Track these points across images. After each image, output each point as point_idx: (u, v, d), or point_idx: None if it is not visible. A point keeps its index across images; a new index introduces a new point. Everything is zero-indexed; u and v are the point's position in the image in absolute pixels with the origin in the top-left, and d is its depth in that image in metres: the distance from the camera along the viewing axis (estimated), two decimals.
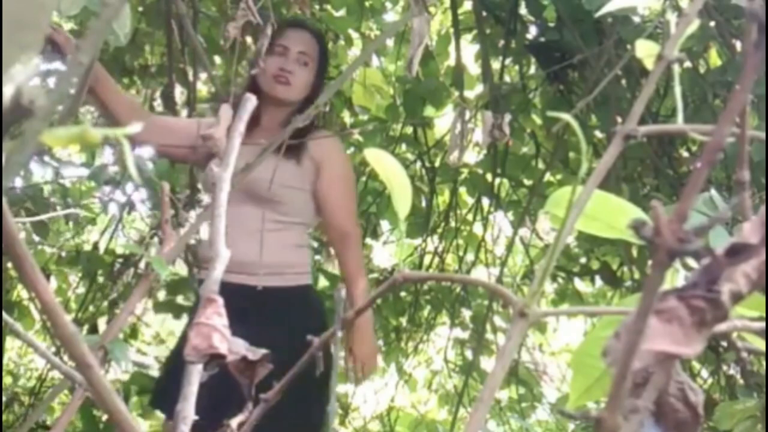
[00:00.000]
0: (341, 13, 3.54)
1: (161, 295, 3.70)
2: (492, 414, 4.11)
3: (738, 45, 2.54)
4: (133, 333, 4.13)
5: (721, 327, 0.55)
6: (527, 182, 3.68)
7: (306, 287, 2.52)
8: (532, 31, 3.45)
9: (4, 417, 3.86)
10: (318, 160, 2.51)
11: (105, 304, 3.69)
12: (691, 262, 0.46)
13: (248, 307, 2.22)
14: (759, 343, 0.64)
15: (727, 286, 0.45)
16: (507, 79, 3.61)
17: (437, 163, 3.71)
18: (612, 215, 0.66)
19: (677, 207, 0.40)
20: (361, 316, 2.59)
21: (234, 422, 0.78)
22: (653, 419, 0.53)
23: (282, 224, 2.47)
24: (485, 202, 3.77)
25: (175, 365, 2.29)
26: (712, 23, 2.51)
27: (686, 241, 0.39)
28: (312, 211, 2.55)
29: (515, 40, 3.38)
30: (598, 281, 3.80)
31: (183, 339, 2.48)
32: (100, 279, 3.76)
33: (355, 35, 3.67)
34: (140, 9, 3.25)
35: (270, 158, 2.29)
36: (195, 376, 0.76)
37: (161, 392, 2.45)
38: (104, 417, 3.38)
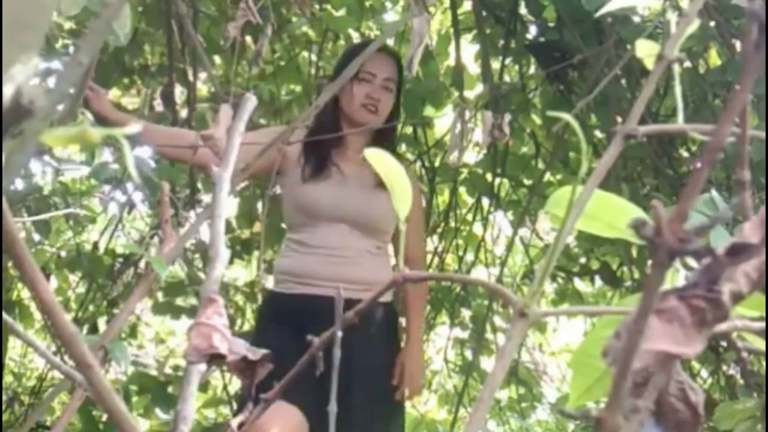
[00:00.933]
0: (341, 13, 3.54)
1: (159, 296, 3.70)
2: (492, 414, 4.11)
3: (738, 45, 2.54)
4: (133, 333, 4.13)
5: (722, 327, 0.55)
6: (527, 182, 3.68)
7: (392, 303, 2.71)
8: (532, 31, 3.45)
9: (4, 417, 3.86)
10: None
11: (105, 303, 3.69)
12: (692, 262, 0.46)
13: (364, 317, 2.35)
14: (759, 343, 0.64)
15: (728, 286, 0.45)
16: (507, 79, 3.61)
17: (437, 163, 3.71)
18: (612, 215, 0.66)
19: (678, 207, 0.40)
20: (414, 325, 2.75)
21: (234, 422, 0.78)
22: (653, 419, 0.53)
23: (382, 249, 2.64)
24: (485, 201, 3.76)
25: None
26: (712, 23, 2.51)
27: (687, 240, 0.39)
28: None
29: (515, 40, 3.38)
30: (598, 281, 3.80)
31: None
32: (100, 279, 3.76)
33: (355, 35, 3.67)
34: (140, 9, 3.25)
35: (382, 193, 2.45)
36: (194, 376, 0.76)
37: None
38: (104, 417, 3.39)
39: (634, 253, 3.20)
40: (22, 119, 0.39)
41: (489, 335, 3.85)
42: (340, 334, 0.74)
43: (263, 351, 0.73)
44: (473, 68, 3.75)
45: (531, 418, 4.24)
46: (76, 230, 3.84)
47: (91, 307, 3.76)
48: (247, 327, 3.71)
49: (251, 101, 0.88)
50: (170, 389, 3.56)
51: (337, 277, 2.45)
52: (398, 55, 2.81)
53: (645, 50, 0.73)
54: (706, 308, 0.44)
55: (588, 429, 3.54)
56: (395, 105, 2.71)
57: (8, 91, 0.37)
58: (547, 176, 3.50)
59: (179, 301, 3.63)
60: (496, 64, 3.47)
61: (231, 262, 3.69)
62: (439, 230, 3.85)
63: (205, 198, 3.27)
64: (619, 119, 2.79)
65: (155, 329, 4.74)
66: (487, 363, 3.97)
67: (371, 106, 2.61)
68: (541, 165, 3.58)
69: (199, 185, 3.31)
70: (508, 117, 2.40)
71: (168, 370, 4.06)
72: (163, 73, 3.45)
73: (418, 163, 3.74)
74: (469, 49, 3.76)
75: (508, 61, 3.48)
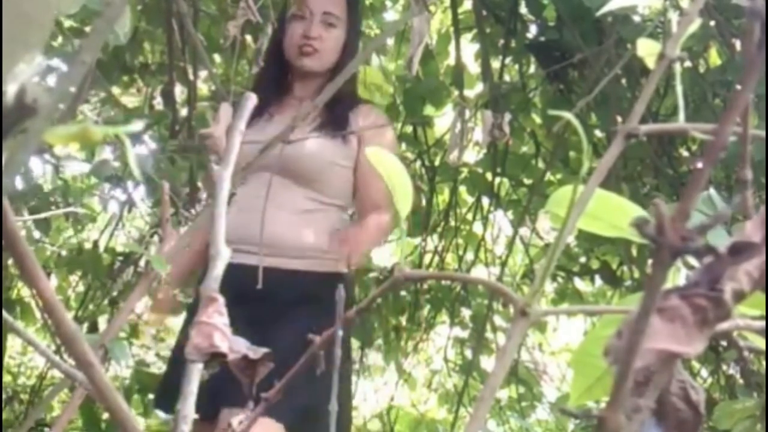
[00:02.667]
0: None
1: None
2: (492, 413, 4.11)
3: (738, 45, 2.54)
4: (134, 332, 4.13)
5: (723, 326, 0.55)
6: (527, 181, 3.68)
7: (343, 275, 2.26)
8: (532, 31, 3.45)
9: (4, 415, 3.86)
10: (361, 134, 2.27)
11: (105, 302, 3.69)
12: (692, 261, 0.46)
13: (280, 290, 2.11)
14: (760, 342, 0.64)
15: (730, 285, 0.45)
16: (507, 78, 3.61)
17: (437, 162, 3.71)
18: (614, 214, 0.66)
19: (680, 205, 0.40)
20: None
21: (234, 421, 0.78)
22: (655, 418, 0.53)
23: (323, 205, 2.27)
24: (485, 201, 3.77)
25: (176, 363, 2.25)
26: (712, 23, 2.51)
27: (689, 239, 0.39)
28: (350, 193, 2.33)
29: (515, 40, 3.38)
30: (598, 281, 3.80)
31: (182, 337, 2.35)
32: (101, 277, 3.76)
33: None
34: (140, 8, 3.25)
35: (326, 140, 2.22)
36: (195, 376, 0.76)
37: (163, 393, 2.33)
38: (105, 415, 3.39)
39: (634, 252, 3.20)
40: (25, 118, 0.39)
41: (489, 335, 3.85)
42: (340, 333, 0.74)
43: (264, 350, 0.74)
44: (473, 67, 3.75)
45: (531, 418, 4.24)
46: (77, 228, 3.84)
47: (91, 306, 3.76)
48: None
49: (251, 100, 0.88)
50: None
51: (255, 240, 2.04)
52: None
53: (646, 49, 0.74)
54: (708, 307, 0.44)
55: (588, 429, 3.54)
56: (348, 45, 2.33)
57: (12, 89, 0.37)
58: (548, 176, 3.50)
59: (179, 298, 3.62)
60: (496, 64, 3.47)
61: None
62: (439, 229, 3.85)
63: (206, 197, 3.27)
64: (620, 119, 2.79)
65: (155, 328, 4.73)
66: (487, 362, 3.97)
67: (307, 46, 2.28)
68: (541, 164, 3.58)
69: (200, 184, 3.31)
70: (508, 116, 2.40)
71: None
72: (164, 72, 3.45)
73: (418, 163, 3.74)
74: (469, 49, 3.76)
75: (508, 60, 3.48)
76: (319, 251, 2.24)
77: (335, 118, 2.27)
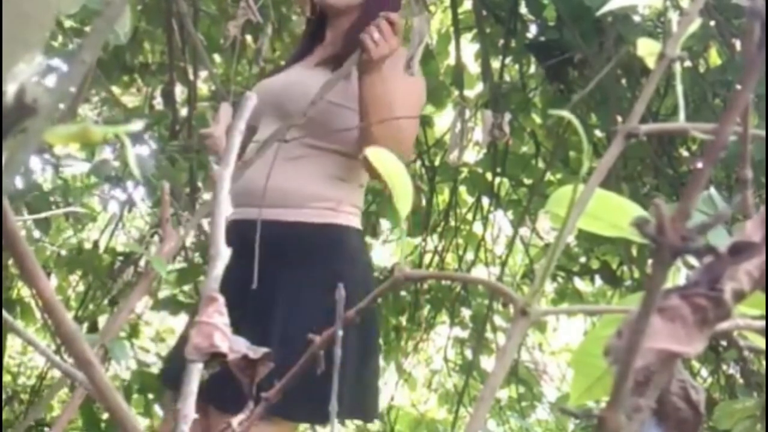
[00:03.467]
0: None
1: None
2: (492, 413, 4.11)
3: (738, 44, 2.54)
4: (134, 332, 4.13)
5: (723, 325, 0.55)
6: (527, 181, 3.68)
7: (342, 228, 2.07)
8: (532, 31, 3.45)
9: (4, 415, 3.86)
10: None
11: (105, 302, 3.69)
12: (692, 260, 0.46)
13: (275, 244, 1.95)
14: (760, 342, 0.64)
15: (730, 285, 0.45)
16: (507, 78, 3.61)
17: (437, 162, 3.71)
18: (614, 214, 0.66)
19: (680, 205, 0.40)
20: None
21: (235, 421, 0.78)
22: (655, 418, 0.53)
23: (318, 150, 2.08)
24: (485, 201, 3.77)
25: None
26: (712, 23, 2.51)
27: (689, 239, 0.39)
28: (355, 139, 2.05)
29: (515, 40, 3.38)
30: (598, 281, 3.81)
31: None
32: (101, 277, 3.76)
33: None
34: (140, 7, 3.25)
35: (316, 72, 2.07)
36: (195, 375, 0.76)
37: (169, 369, 2.19)
38: (105, 415, 3.39)
39: (634, 252, 3.20)
40: (25, 118, 0.39)
41: (489, 334, 3.85)
42: (341, 333, 0.74)
43: (264, 349, 0.73)
44: (473, 67, 3.75)
45: (531, 418, 4.24)
46: (77, 228, 3.84)
47: (91, 306, 3.76)
48: None
49: (251, 100, 0.88)
50: None
51: (249, 191, 1.95)
52: None
53: (646, 49, 0.74)
54: (708, 307, 0.44)
55: (588, 429, 3.54)
56: None
57: (11, 89, 0.37)
58: (548, 176, 3.50)
59: (179, 297, 3.63)
60: (496, 63, 3.47)
61: None
62: (439, 229, 3.85)
63: (206, 197, 3.27)
64: (620, 119, 2.79)
65: (155, 328, 4.73)
66: (487, 362, 3.97)
67: None
68: (541, 164, 3.58)
69: (200, 184, 3.31)
70: (508, 116, 2.40)
71: None
72: (164, 72, 3.46)
73: (418, 163, 3.74)
74: (469, 48, 3.76)
75: (508, 60, 3.48)
76: (314, 200, 2.06)
77: (337, 56, 2.08)
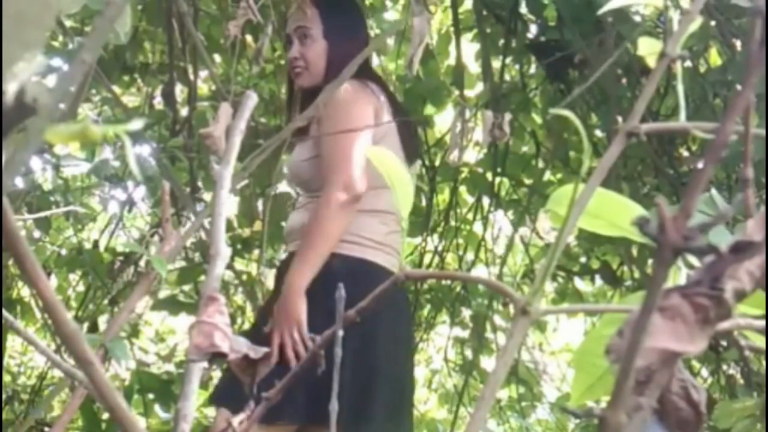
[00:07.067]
0: None
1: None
2: (492, 413, 4.11)
3: (738, 44, 2.54)
4: (134, 332, 4.13)
5: (724, 325, 0.55)
6: (527, 181, 3.68)
7: (333, 257, 2.19)
8: (533, 31, 3.45)
9: (4, 415, 3.86)
10: (318, 116, 2.24)
11: (105, 302, 3.69)
12: (693, 260, 0.46)
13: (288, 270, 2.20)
14: (760, 341, 0.64)
15: (731, 284, 0.45)
16: (507, 78, 3.61)
17: (437, 162, 3.71)
18: (614, 213, 0.66)
19: (682, 204, 0.40)
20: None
21: (235, 421, 0.78)
22: (656, 417, 0.53)
23: (312, 198, 2.29)
24: (485, 201, 3.77)
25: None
26: (713, 22, 2.51)
27: (691, 238, 0.39)
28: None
29: (515, 40, 3.38)
30: (598, 280, 3.81)
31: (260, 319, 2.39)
32: (101, 277, 3.76)
33: None
34: (140, 7, 3.25)
35: (299, 144, 2.33)
36: (195, 375, 0.76)
37: (222, 390, 2.24)
38: (105, 415, 3.39)
39: (635, 252, 3.20)
40: (25, 117, 0.39)
41: (489, 334, 3.85)
42: (341, 333, 0.74)
43: (264, 349, 0.74)
44: (474, 67, 3.75)
45: (531, 418, 4.24)
46: (77, 228, 3.84)
47: (91, 306, 3.76)
48: (247, 325, 3.71)
49: (251, 99, 0.88)
50: (173, 388, 3.56)
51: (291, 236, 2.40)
52: None
53: (646, 48, 0.74)
54: (709, 306, 0.44)
55: (588, 428, 3.54)
56: (333, 48, 2.32)
57: (12, 88, 0.37)
58: (548, 175, 3.49)
59: (180, 297, 3.63)
60: (496, 63, 3.47)
61: (232, 259, 3.68)
62: (440, 229, 3.85)
63: (206, 197, 3.27)
64: (620, 118, 2.79)
65: (155, 328, 4.74)
66: (487, 362, 3.97)
67: (294, 68, 2.35)
68: (541, 164, 3.58)
69: (200, 184, 3.31)
70: (508, 116, 2.40)
71: (171, 368, 4.06)
72: (164, 71, 3.45)
73: (418, 162, 3.74)
74: (469, 48, 3.76)
75: (508, 60, 3.48)
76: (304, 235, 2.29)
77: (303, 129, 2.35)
